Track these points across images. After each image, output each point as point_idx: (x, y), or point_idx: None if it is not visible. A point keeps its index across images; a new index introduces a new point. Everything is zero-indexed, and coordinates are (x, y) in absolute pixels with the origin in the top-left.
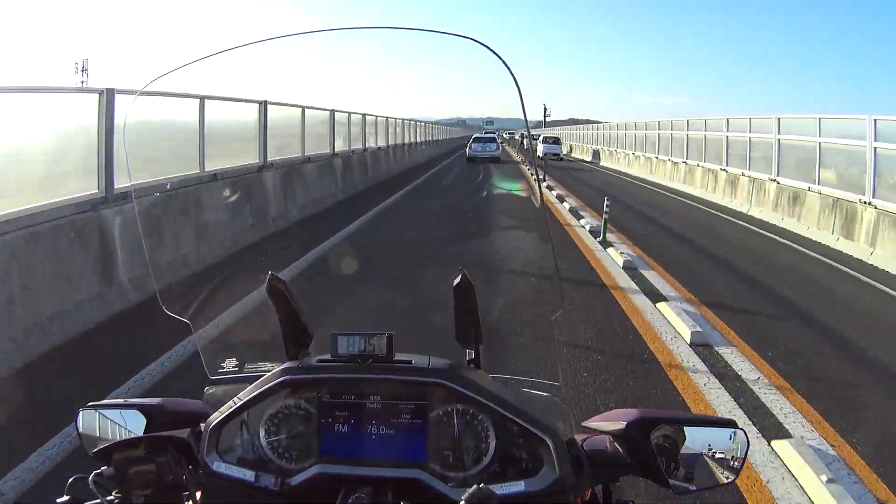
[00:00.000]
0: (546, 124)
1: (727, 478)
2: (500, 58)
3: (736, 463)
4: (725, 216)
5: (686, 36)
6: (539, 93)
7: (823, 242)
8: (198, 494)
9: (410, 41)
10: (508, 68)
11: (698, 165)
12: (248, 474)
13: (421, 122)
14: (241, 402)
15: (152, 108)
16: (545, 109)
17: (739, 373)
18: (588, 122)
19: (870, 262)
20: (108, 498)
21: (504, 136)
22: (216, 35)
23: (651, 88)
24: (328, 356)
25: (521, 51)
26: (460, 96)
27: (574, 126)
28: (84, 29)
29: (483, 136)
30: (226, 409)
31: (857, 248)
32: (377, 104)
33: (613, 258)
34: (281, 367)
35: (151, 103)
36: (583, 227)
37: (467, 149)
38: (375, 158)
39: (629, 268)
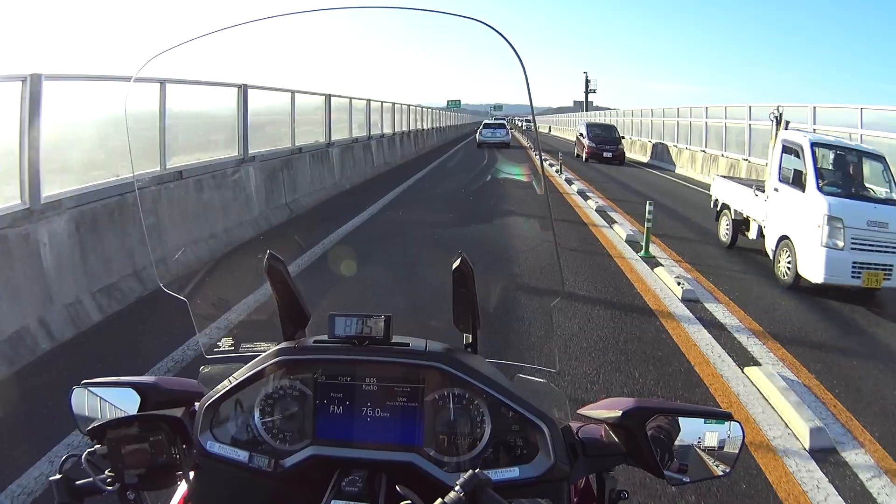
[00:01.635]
0: (589, 107)
1: (721, 470)
2: (506, 40)
3: (730, 455)
4: None
5: (694, 21)
6: (542, 77)
7: None
8: (191, 474)
9: (408, 21)
10: (514, 49)
11: None
12: (242, 455)
13: (419, 107)
14: (236, 382)
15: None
16: (587, 83)
17: None
18: (599, 108)
19: None
20: (101, 476)
21: (518, 123)
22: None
23: (662, 76)
24: (325, 337)
25: (527, 32)
26: (464, 82)
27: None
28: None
29: (493, 122)
30: (220, 389)
31: None
32: (369, 88)
33: None
34: (277, 347)
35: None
36: None
37: (477, 134)
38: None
39: None
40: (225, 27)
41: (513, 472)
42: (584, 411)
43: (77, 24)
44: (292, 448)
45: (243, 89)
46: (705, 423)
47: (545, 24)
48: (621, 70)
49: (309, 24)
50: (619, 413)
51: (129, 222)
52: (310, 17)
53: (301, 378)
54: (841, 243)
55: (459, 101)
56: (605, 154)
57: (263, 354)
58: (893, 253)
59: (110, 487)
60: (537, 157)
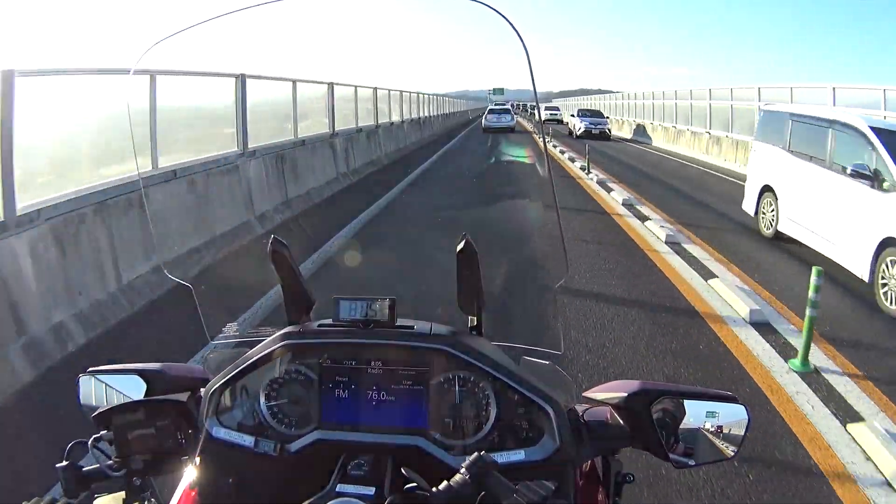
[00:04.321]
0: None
1: (728, 452)
2: (508, 21)
3: (736, 438)
4: None
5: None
6: (541, 62)
7: None
8: (197, 459)
9: (403, 6)
10: (516, 31)
11: None
12: (248, 440)
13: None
14: (242, 367)
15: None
16: None
17: None
18: (600, 91)
19: None
20: (108, 462)
21: (526, 109)
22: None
23: (658, 59)
24: (330, 321)
25: (527, 16)
26: (463, 67)
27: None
28: None
29: (497, 108)
30: (226, 374)
31: None
32: (360, 75)
33: None
34: (282, 332)
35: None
36: None
37: (483, 119)
38: None
39: None
40: (221, 14)
41: (518, 455)
42: (590, 394)
43: (58, 18)
44: (298, 432)
45: (241, 79)
46: (710, 405)
47: (542, 7)
48: (619, 54)
49: (301, 10)
50: (625, 395)
51: (119, 225)
52: (303, 4)
53: (306, 362)
54: None
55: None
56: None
57: (268, 339)
58: None
59: (117, 473)
60: (540, 139)
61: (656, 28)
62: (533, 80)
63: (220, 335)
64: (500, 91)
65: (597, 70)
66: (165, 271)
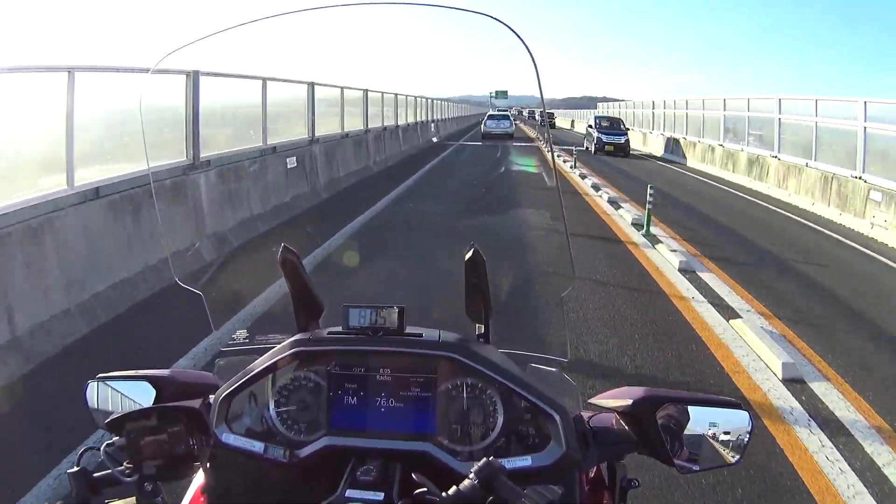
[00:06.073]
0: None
1: (731, 458)
2: (518, 35)
3: (740, 443)
4: None
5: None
6: (549, 69)
7: None
8: (207, 465)
9: (402, 14)
10: (527, 46)
11: None
12: (258, 446)
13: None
14: (251, 374)
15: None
16: None
17: None
18: (606, 99)
19: None
20: (119, 468)
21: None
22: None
23: (666, 67)
24: (339, 328)
25: (533, 24)
26: (463, 72)
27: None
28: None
29: (497, 113)
30: (236, 381)
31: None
32: (362, 79)
33: None
34: (292, 339)
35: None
36: None
37: (482, 125)
38: None
39: None
40: (218, 30)
41: (525, 461)
42: (595, 400)
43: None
44: (307, 439)
45: (193, 77)
46: (714, 412)
47: (545, 11)
48: (624, 62)
49: (306, 19)
50: (630, 402)
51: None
52: (306, 12)
53: (315, 369)
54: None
55: None
56: None
57: (278, 346)
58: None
59: (128, 479)
60: (548, 150)
61: (662, 37)
62: (541, 92)
63: (230, 342)
64: (503, 94)
65: (604, 76)
66: (176, 279)
